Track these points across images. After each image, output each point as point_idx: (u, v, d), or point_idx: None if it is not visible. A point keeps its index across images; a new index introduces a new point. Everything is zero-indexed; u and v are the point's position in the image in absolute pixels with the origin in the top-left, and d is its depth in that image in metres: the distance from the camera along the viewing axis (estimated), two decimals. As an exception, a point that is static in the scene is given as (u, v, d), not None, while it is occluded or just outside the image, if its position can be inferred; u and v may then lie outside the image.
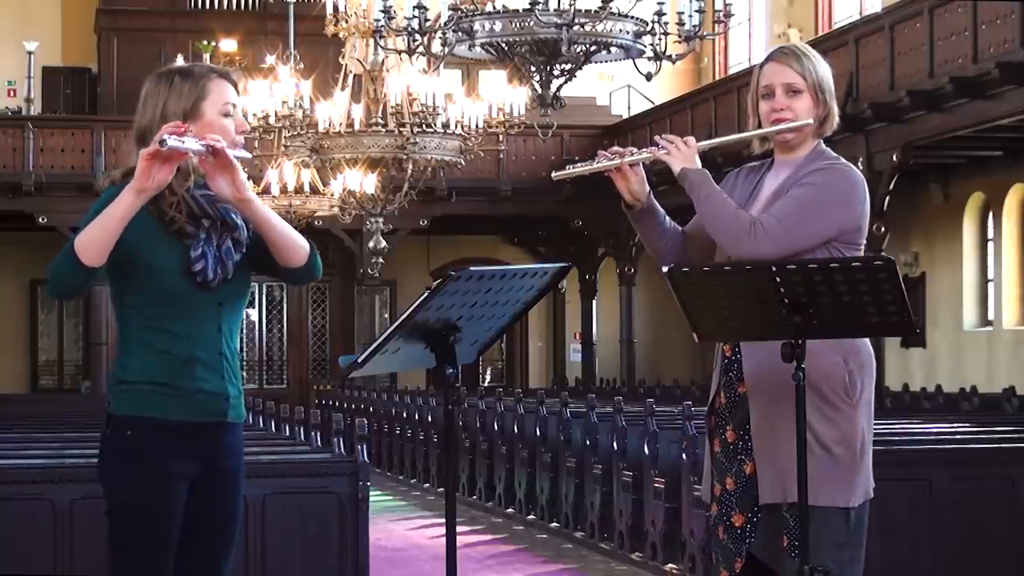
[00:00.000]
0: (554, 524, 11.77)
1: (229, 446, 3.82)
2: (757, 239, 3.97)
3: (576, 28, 9.64)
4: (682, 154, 4.12)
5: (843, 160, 4.14)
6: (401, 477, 16.38)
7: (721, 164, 16.16)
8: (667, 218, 4.23)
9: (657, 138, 4.17)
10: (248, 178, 3.77)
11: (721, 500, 4.09)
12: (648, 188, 4.16)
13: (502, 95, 13.31)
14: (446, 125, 13.42)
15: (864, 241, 4.12)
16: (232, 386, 3.79)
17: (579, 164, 4.21)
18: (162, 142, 3.49)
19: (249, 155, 3.83)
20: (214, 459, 3.78)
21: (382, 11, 10.50)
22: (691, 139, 4.16)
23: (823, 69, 4.13)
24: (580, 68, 10.11)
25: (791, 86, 4.08)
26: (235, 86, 3.84)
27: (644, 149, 4.16)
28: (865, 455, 4.05)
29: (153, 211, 3.66)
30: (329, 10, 12.78)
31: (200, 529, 3.78)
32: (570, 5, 9.59)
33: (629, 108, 25.36)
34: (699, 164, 4.13)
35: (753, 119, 4.17)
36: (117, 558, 3.73)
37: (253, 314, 24.99)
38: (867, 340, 4.09)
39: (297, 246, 3.79)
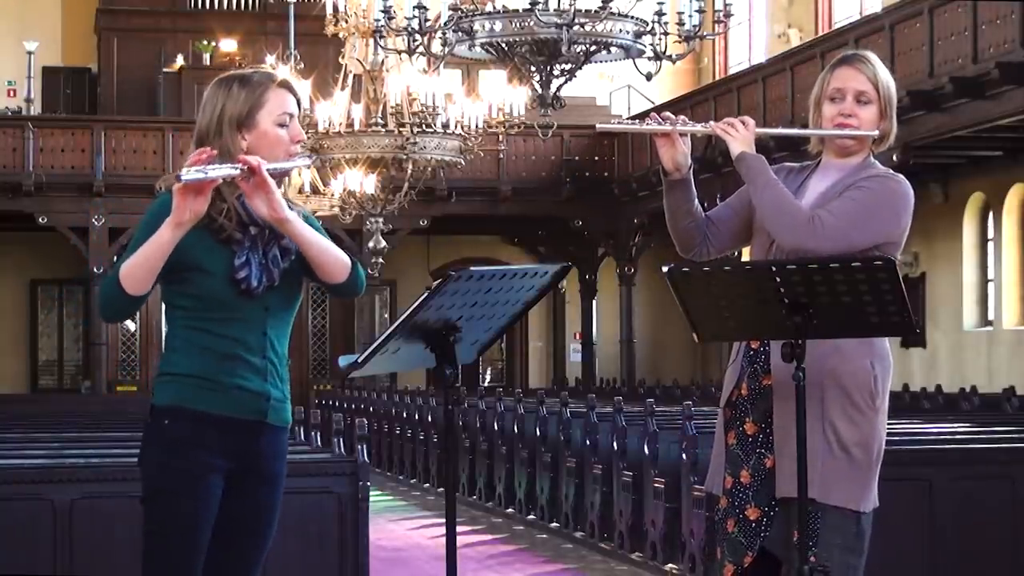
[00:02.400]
0: (554, 524, 11.77)
1: (269, 449, 3.83)
2: (815, 233, 3.96)
3: (576, 28, 9.64)
4: (741, 136, 4.09)
5: (894, 172, 4.16)
6: (401, 477, 16.38)
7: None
8: (696, 200, 4.20)
9: (713, 123, 4.14)
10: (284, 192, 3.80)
11: (733, 493, 4.07)
12: (690, 162, 4.13)
13: (502, 95, 13.31)
14: (446, 125, 13.43)
15: (900, 254, 4.11)
16: (275, 388, 3.82)
17: (626, 121, 4.22)
18: (178, 177, 3.56)
19: (308, 162, 3.85)
20: (251, 459, 3.80)
21: (382, 11, 10.50)
22: (750, 121, 4.13)
23: (892, 87, 4.17)
24: (580, 68, 10.11)
25: (863, 94, 4.10)
26: (296, 96, 3.86)
27: (699, 123, 4.13)
28: (878, 462, 4.06)
29: (203, 218, 3.71)
30: (329, 10, 12.79)
31: (232, 529, 3.80)
32: (570, 5, 9.59)
33: (629, 108, 25.35)
34: (754, 148, 4.11)
35: (815, 119, 4.17)
36: (148, 545, 3.77)
37: (253, 314, 24.98)
38: (888, 345, 4.10)
39: (337, 264, 3.80)
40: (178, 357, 3.77)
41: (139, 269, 3.64)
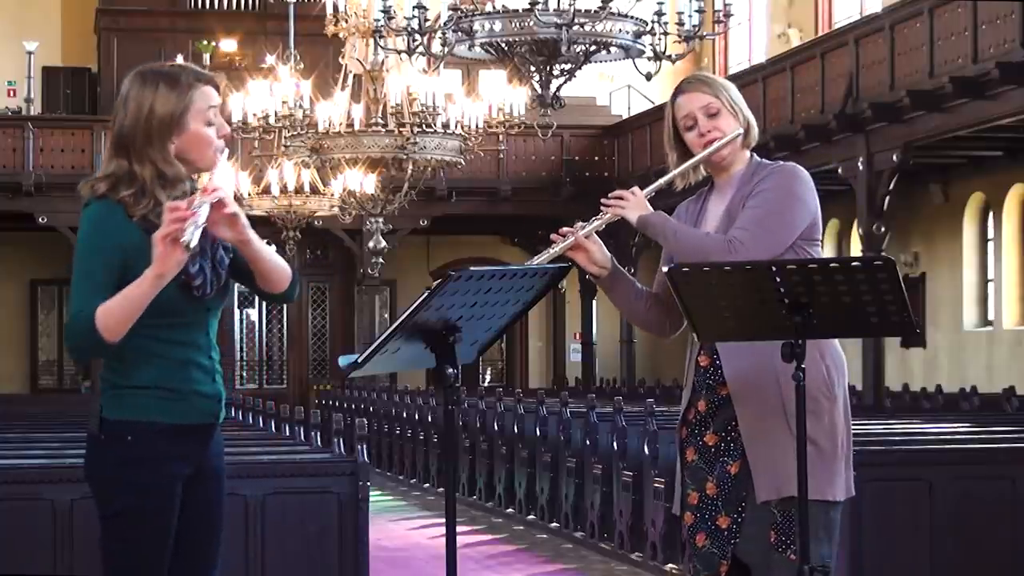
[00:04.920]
0: (554, 524, 11.77)
1: (216, 447, 3.84)
2: (737, 254, 4.03)
3: (576, 28, 9.64)
4: (633, 203, 4.20)
5: (784, 163, 4.25)
6: (401, 477, 16.38)
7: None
8: (638, 284, 4.30)
9: (602, 201, 4.26)
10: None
11: (700, 507, 4.12)
12: (610, 254, 4.23)
13: (502, 95, 13.30)
14: (446, 125, 13.42)
15: (820, 236, 4.22)
16: (222, 388, 3.82)
17: (535, 257, 4.26)
18: (186, 246, 3.48)
19: (225, 150, 3.81)
20: (203, 460, 3.78)
21: (382, 11, 10.49)
22: (636, 189, 4.23)
23: (731, 87, 4.26)
24: (580, 68, 10.11)
25: (709, 108, 4.18)
26: (217, 88, 3.80)
27: (593, 218, 4.22)
28: (846, 451, 4.12)
29: (148, 225, 3.64)
30: (329, 10, 12.77)
31: (190, 531, 3.77)
32: (570, 5, 9.59)
33: (629, 108, 25.36)
34: (651, 209, 4.21)
35: (673, 155, 4.26)
36: (114, 563, 3.71)
37: (253, 314, 24.99)
38: (837, 341, 4.16)
39: (284, 276, 3.80)
40: (132, 368, 3.70)
41: (120, 317, 3.56)
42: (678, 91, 4.26)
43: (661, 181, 4.32)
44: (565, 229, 4.22)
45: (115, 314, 3.56)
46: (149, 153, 3.68)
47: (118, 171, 3.71)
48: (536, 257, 4.23)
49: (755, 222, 4.07)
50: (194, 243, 3.49)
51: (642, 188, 4.23)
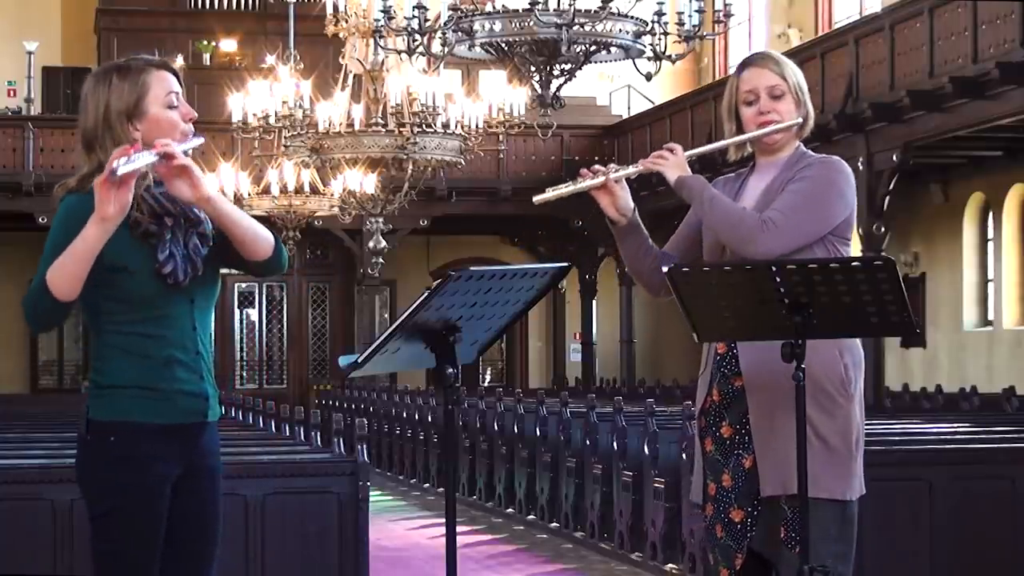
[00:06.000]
0: (554, 524, 11.77)
1: (208, 446, 3.79)
2: (769, 234, 4.01)
3: (576, 28, 9.64)
4: (673, 162, 4.17)
5: (829, 155, 4.24)
6: (401, 477, 16.38)
7: (698, 171, 16.23)
8: (648, 237, 4.28)
9: (641, 161, 4.21)
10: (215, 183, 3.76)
11: (717, 499, 4.11)
12: (633, 205, 4.21)
13: (502, 95, 13.30)
14: (446, 125, 13.41)
15: (851, 235, 4.20)
16: (210, 386, 3.77)
17: (562, 186, 4.23)
18: (112, 172, 3.45)
19: (202, 139, 3.77)
20: (194, 459, 3.75)
21: (382, 11, 10.49)
22: (677, 147, 4.20)
23: (799, 72, 4.23)
24: (580, 68, 10.11)
25: (774, 89, 4.16)
26: (176, 75, 3.77)
27: (629, 165, 4.19)
28: (859, 450, 4.10)
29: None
30: (329, 10, 12.77)
31: (183, 531, 3.75)
32: (570, 5, 9.59)
33: (629, 108, 25.35)
34: (690, 171, 4.18)
35: (730, 126, 4.23)
36: (104, 564, 3.70)
37: (253, 314, 24.97)
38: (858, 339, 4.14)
39: (261, 239, 3.71)
40: (113, 366, 3.68)
41: (68, 270, 3.53)
42: (747, 63, 4.22)
43: (707, 147, 4.31)
44: (597, 167, 4.19)
45: (64, 268, 3.54)
46: (110, 142, 3.70)
47: (90, 168, 3.74)
48: (562, 186, 4.22)
49: (792, 207, 4.05)
50: (120, 171, 3.43)
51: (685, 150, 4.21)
